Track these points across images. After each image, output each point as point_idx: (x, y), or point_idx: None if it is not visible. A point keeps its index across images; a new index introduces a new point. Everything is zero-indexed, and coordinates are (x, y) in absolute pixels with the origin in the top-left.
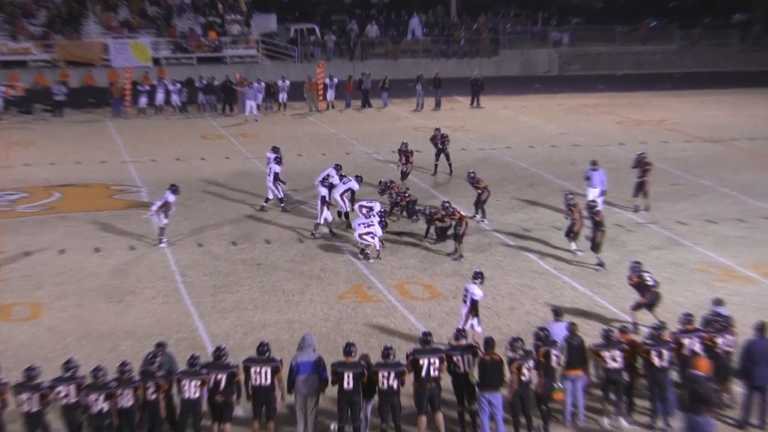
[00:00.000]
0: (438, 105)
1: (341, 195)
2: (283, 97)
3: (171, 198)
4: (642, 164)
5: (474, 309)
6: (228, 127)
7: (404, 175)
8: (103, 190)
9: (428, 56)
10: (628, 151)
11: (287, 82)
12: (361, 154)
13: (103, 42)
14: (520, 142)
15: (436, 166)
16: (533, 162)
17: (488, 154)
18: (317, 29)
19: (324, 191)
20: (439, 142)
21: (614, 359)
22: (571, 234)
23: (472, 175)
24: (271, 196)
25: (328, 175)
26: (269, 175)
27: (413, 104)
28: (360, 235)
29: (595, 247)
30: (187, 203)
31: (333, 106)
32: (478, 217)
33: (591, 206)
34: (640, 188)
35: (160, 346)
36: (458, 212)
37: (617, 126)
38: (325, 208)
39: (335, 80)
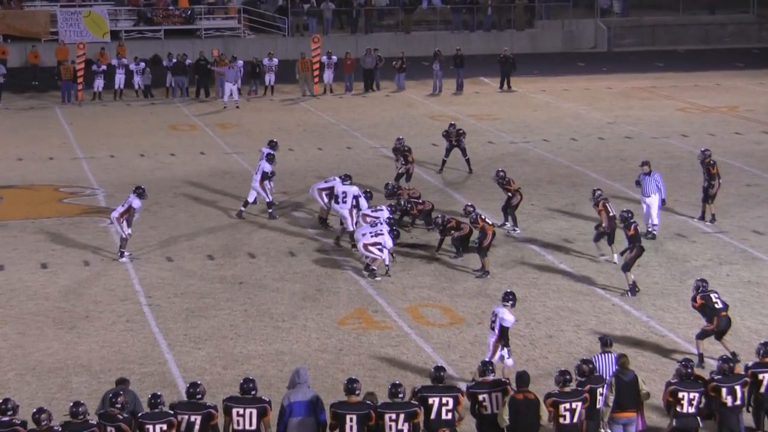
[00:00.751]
0: (460, 88)
1: (350, 211)
2: (270, 78)
3: (136, 203)
4: (705, 164)
5: (504, 337)
6: (203, 115)
7: (407, 177)
8: (51, 193)
9: (448, 28)
10: (693, 145)
11: (275, 61)
12: (365, 148)
13: (50, 12)
14: (561, 133)
15: (444, 162)
16: (576, 158)
17: (521, 148)
18: None
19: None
20: (454, 139)
21: (692, 403)
22: (602, 238)
23: (501, 174)
24: (251, 199)
25: (332, 188)
26: (256, 174)
27: (429, 87)
28: (365, 246)
29: (626, 265)
30: (153, 209)
31: (331, 90)
32: (509, 225)
33: (625, 217)
34: (707, 193)
35: (122, 382)
36: (482, 220)
37: (679, 114)
38: (351, 218)
39: (334, 58)
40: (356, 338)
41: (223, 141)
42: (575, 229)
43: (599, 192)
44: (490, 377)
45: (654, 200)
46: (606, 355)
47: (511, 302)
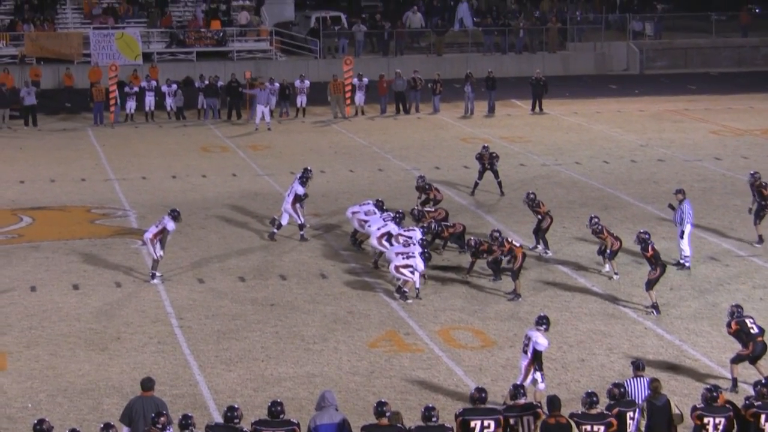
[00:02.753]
0: (491, 110)
1: (379, 239)
2: (301, 100)
3: (170, 225)
4: (756, 187)
5: (537, 361)
6: (234, 137)
7: (433, 202)
8: (83, 214)
9: (479, 51)
10: (726, 168)
11: (307, 83)
12: (397, 170)
13: (83, 34)
14: (593, 156)
15: (476, 184)
16: (608, 180)
17: (553, 170)
18: (344, 18)
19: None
20: (487, 162)
21: (717, 428)
22: (606, 255)
23: (531, 196)
24: (285, 222)
25: (367, 216)
26: (288, 195)
27: (461, 109)
28: (397, 268)
29: (649, 283)
30: (185, 230)
31: (363, 112)
32: (540, 248)
33: (642, 239)
34: (759, 215)
35: (148, 381)
36: (509, 243)
37: (712, 136)
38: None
39: (365, 80)
40: (387, 361)
41: (255, 163)
42: (607, 251)
43: (596, 220)
44: (522, 400)
45: (685, 230)
46: (638, 379)
47: (544, 326)
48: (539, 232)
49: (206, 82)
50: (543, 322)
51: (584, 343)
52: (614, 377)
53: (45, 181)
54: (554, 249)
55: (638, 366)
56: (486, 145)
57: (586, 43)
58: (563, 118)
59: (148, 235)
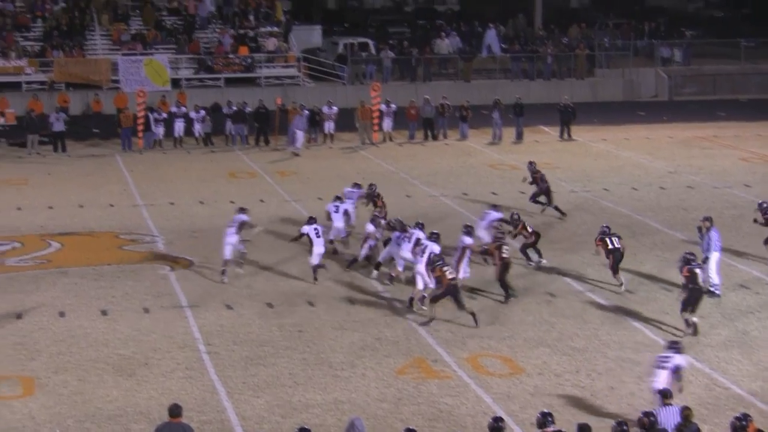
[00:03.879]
0: (519, 136)
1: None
2: (329, 126)
3: (243, 217)
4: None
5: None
6: (262, 163)
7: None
8: (111, 240)
9: (507, 77)
10: (756, 195)
11: (334, 109)
12: (424, 196)
13: (111, 60)
14: (621, 182)
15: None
16: (637, 207)
17: (581, 197)
18: (371, 44)
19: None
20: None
21: None
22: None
23: (515, 217)
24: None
25: (419, 240)
26: (335, 212)
27: (489, 135)
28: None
29: (682, 304)
30: (212, 256)
31: (390, 138)
32: (535, 259)
33: (686, 259)
34: None
35: (175, 409)
36: (523, 227)
37: (742, 163)
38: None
39: (393, 106)
40: (415, 387)
41: (282, 188)
42: (636, 279)
43: (605, 227)
44: (550, 428)
45: (712, 257)
46: (669, 407)
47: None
48: (527, 248)
49: (234, 108)
50: (675, 345)
51: (613, 371)
52: (644, 406)
53: (74, 206)
54: (583, 276)
55: (665, 394)
56: (531, 160)
57: (615, 69)
58: (591, 144)
59: (232, 239)
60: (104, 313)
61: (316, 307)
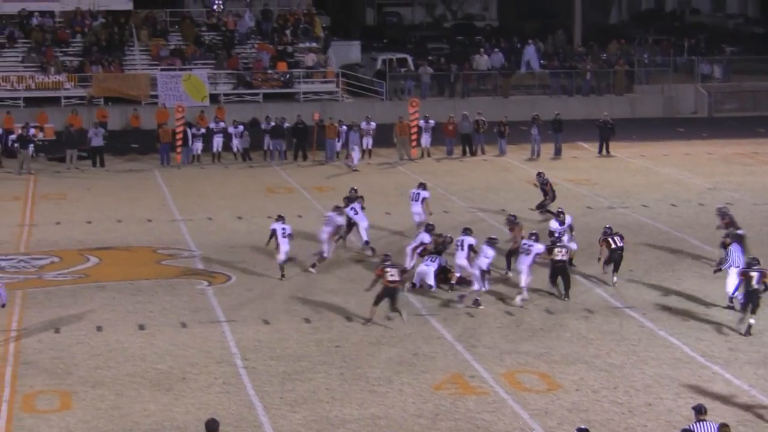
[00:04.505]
0: (558, 152)
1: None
2: (367, 142)
3: (339, 220)
4: None
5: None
6: (300, 178)
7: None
8: (149, 255)
9: (546, 92)
10: None
11: (373, 124)
12: (461, 212)
13: (150, 75)
14: (660, 199)
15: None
16: (676, 224)
17: (620, 213)
18: (410, 59)
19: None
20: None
21: None
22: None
23: (511, 218)
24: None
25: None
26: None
27: (527, 151)
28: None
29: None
30: (249, 270)
31: (429, 154)
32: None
33: (751, 263)
34: None
35: (212, 423)
36: (519, 228)
37: None
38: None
39: (431, 122)
40: (452, 403)
41: (320, 204)
42: (674, 296)
43: (607, 228)
44: None
45: (731, 272)
46: (705, 423)
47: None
48: (510, 255)
49: (272, 123)
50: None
51: (651, 388)
52: (682, 422)
53: (112, 221)
54: (621, 291)
55: (700, 410)
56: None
57: (654, 85)
58: (630, 160)
59: (324, 236)
60: (141, 327)
61: (352, 322)
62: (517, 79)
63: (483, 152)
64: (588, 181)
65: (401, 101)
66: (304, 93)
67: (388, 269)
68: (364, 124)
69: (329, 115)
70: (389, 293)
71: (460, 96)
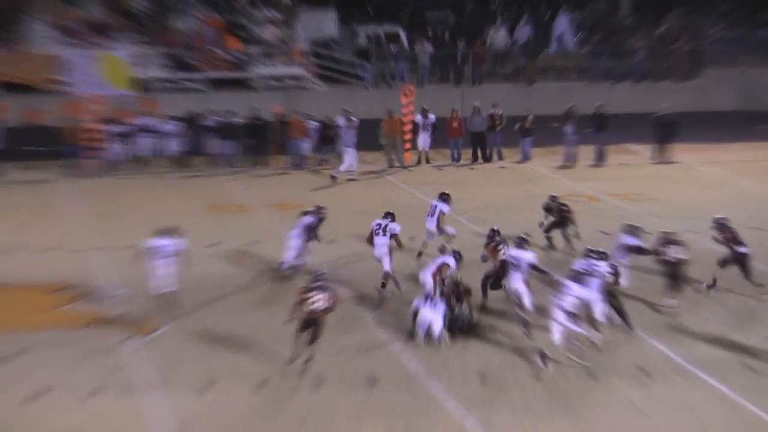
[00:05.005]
0: (600, 158)
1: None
2: None
3: (309, 219)
4: None
5: None
6: (255, 192)
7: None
8: (46, 297)
9: (584, 78)
10: None
11: (355, 120)
12: (470, 236)
13: (56, 54)
14: (739, 220)
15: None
16: (760, 252)
17: (685, 239)
18: (403, 35)
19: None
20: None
21: None
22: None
23: (492, 230)
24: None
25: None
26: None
27: (559, 156)
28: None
29: None
30: (186, 317)
31: (428, 159)
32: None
33: None
34: None
35: None
36: (497, 250)
37: None
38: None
39: (432, 117)
40: None
41: (283, 226)
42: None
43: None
44: None
45: None
46: None
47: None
48: (486, 282)
49: (220, 118)
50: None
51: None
52: None
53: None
54: (685, 343)
55: None
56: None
57: (728, 69)
58: (698, 168)
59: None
60: (27, 400)
61: (324, 388)
62: (545, 60)
63: (500, 157)
64: (641, 195)
65: (391, 89)
66: (263, 78)
67: (312, 294)
68: (341, 121)
69: (295, 107)
70: (310, 324)
71: (470, 83)
